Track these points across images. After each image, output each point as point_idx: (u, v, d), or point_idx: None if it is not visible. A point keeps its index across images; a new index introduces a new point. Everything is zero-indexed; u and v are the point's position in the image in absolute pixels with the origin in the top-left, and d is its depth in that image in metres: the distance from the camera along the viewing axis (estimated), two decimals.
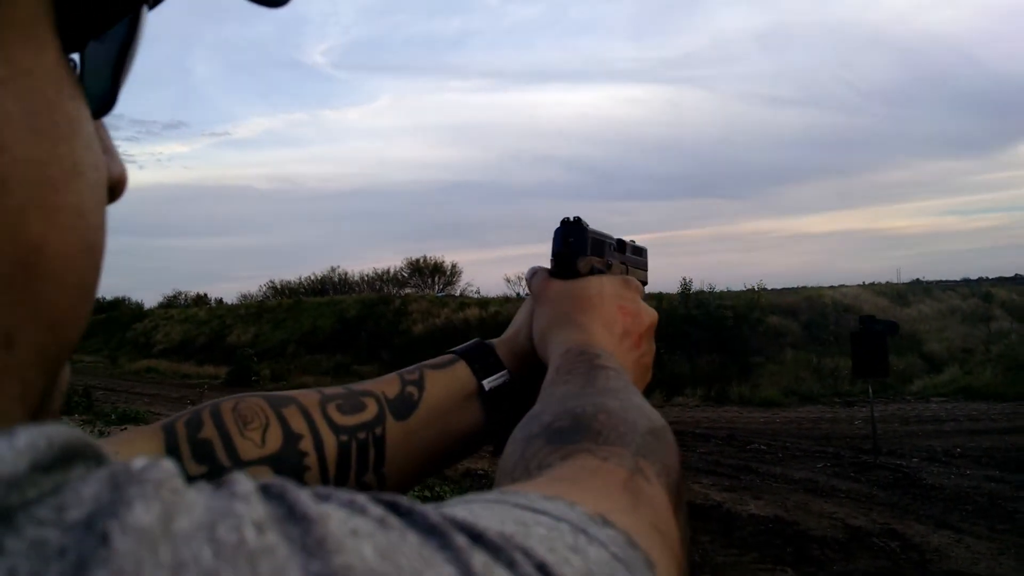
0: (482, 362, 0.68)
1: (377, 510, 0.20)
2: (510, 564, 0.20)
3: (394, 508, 0.21)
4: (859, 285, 20.81)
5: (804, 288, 20.84)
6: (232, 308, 27.21)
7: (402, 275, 27.53)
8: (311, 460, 0.56)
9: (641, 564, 0.27)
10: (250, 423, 0.55)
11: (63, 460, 0.17)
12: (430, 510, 0.21)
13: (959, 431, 8.74)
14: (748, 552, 4.86)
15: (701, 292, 17.19)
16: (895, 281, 21.03)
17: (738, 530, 5.30)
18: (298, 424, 0.56)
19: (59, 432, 0.17)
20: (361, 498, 0.20)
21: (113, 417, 10.00)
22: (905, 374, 12.83)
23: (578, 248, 0.71)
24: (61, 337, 0.22)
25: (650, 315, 0.70)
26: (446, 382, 0.66)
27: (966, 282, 22.82)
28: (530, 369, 0.69)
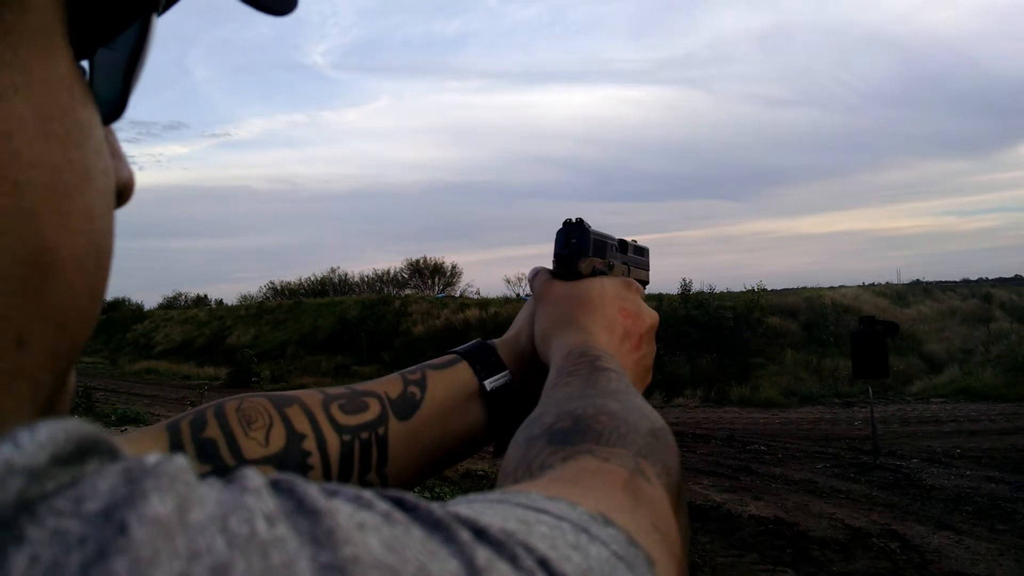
0: (484, 362, 0.68)
1: (383, 505, 0.20)
2: (512, 559, 0.21)
3: (400, 503, 0.21)
4: (859, 286, 20.90)
5: (804, 289, 20.88)
6: (232, 309, 27.24)
7: (402, 276, 27.61)
8: (314, 460, 0.56)
9: (641, 563, 0.27)
10: (254, 423, 0.55)
11: (79, 454, 0.17)
12: (435, 506, 0.22)
13: (959, 432, 8.74)
14: (748, 553, 4.86)
15: (701, 293, 17.19)
16: (895, 282, 21.12)
17: (738, 531, 5.30)
18: (301, 424, 0.57)
19: (76, 427, 0.18)
20: (368, 494, 0.21)
21: (113, 418, 9.98)
22: (905, 375, 12.82)
23: (580, 249, 0.71)
24: (71, 339, 0.23)
25: (651, 317, 0.71)
26: (448, 382, 0.66)
27: (966, 283, 22.90)
28: (531, 369, 0.69)
